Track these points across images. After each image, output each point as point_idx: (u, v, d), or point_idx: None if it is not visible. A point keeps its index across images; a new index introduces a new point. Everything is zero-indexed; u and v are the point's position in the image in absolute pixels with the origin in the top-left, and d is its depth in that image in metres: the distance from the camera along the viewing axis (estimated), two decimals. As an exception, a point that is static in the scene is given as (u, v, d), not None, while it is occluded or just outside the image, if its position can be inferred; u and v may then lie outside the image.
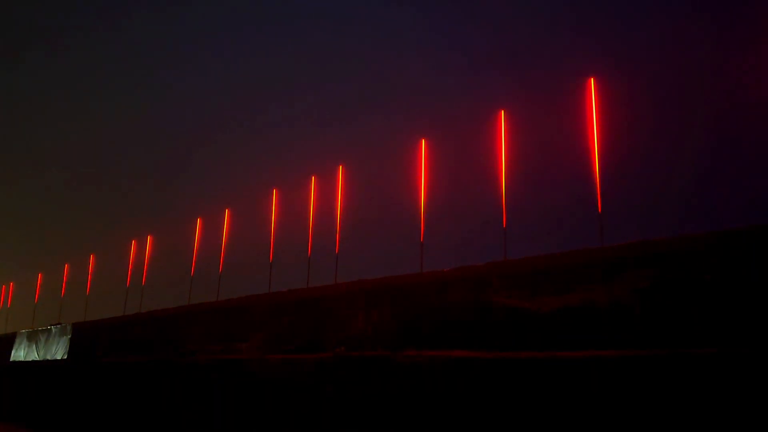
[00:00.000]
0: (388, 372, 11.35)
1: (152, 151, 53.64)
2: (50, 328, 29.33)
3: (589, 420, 8.50)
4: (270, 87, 50.85)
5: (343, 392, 12.08)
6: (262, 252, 20.43)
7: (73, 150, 56.67)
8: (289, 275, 19.85)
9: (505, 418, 9.44)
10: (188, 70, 55.09)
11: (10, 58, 57.62)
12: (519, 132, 14.53)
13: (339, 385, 12.23)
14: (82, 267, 31.99)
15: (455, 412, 10.10)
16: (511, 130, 14.47)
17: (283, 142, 46.25)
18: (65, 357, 26.77)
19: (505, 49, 37.28)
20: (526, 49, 35.12)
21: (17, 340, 32.72)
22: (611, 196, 12.38)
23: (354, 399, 11.79)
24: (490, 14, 39.88)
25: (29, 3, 56.53)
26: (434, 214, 15.79)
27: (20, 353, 31.93)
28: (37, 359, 29.53)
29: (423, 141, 16.32)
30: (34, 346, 30.53)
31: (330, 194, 18.65)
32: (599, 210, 12.15)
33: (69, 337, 27.12)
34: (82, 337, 26.42)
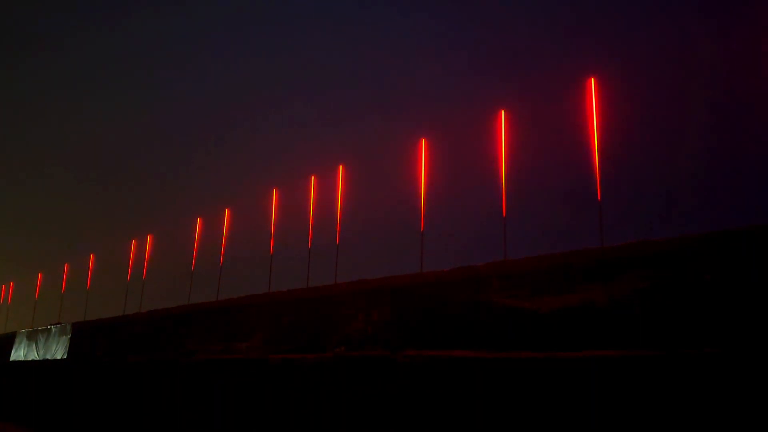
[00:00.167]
0: (388, 372, 11.35)
1: (152, 151, 53.67)
2: (50, 328, 29.33)
3: (589, 420, 8.49)
4: (270, 87, 50.87)
5: (343, 392, 12.07)
6: (262, 252, 20.44)
7: (73, 150, 56.70)
8: (289, 275, 19.87)
9: (504, 419, 9.44)
10: (189, 71, 55.13)
11: (9, 59, 57.64)
12: (519, 132, 14.54)
13: (339, 386, 12.22)
14: (82, 267, 32.03)
15: (455, 412, 10.10)
16: (511, 130, 14.48)
17: (283, 142, 46.27)
18: (65, 357, 26.77)
19: (506, 49, 37.27)
20: (526, 49, 35.12)
21: (17, 340, 32.72)
22: (611, 196, 12.39)
23: (354, 399, 11.79)
24: (490, 14, 39.87)
25: (30, 3, 56.55)
26: (434, 214, 15.80)
27: (20, 353, 31.94)
28: (37, 359, 29.53)
29: (423, 141, 16.32)
30: (33, 345, 30.54)
31: (330, 194, 18.66)
32: (599, 210, 12.16)
33: (69, 336, 27.12)
34: (81, 336, 26.41)
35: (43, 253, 48.74)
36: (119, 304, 27.12)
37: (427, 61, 42.18)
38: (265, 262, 20.00)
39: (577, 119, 12.97)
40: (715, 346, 8.22)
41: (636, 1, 29.28)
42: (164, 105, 54.98)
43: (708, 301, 8.96)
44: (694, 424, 7.60)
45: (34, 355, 30.18)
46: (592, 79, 12.94)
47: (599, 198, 12.19)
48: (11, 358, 32.41)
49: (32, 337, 31.00)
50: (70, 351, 26.57)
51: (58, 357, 27.35)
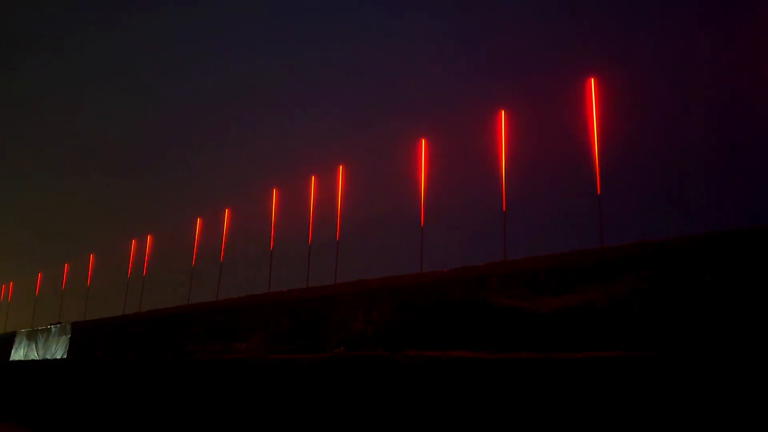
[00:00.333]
0: (388, 372, 11.34)
1: (152, 151, 53.67)
2: (50, 328, 29.32)
3: (588, 421, 8.49)
4: (270, 87, 50.86)
5: (343, 393, 12.07)
6: (262, 252, 20.44)
7: (72, 150, 56.69)
8: (289, 275, 19.88)
9: (504, 419, 9.43)
10: (189, 71, 55.12)
11: (9, 58, 57.64)
12: (519, 132, 14.54)
13: (339, 386, 12.22)
14: (82, 266, 32.05)
15: (455, 412, 10.10)
16: (512, 130, 14.47)
17: (283, 142, 46.28)
18: (65, 357, 26.77)
19: (506, 50, 37.26)
20: (526, 50, 35.10)
21: (17, 340, 32.72)
22: (611, 196, 12.39)
23: (354, 399, 11.79)
24: (491, 15, 39.87)
25: (31, 3, 56.56)
26: (434, 214, 15.80)
27: (20, 353, 31.93)
28: (37, 359, 29.53)
29: (423, 141, 16.32)
30: (33, 345, 30.53)
31: (330, 194, 18.66)
32: (599, 210, 12.16)
33: (69, 336, 27.11)
34: (81, 336, 26.41)
35: (43, 252, 48.78)
36: (119, 304, 27.15)
37: (427, 61, 42.21)
38: (265, 262, 20.01)
39: (577, 119, 12.97)
40: (715, 347, 8.22)
41: (636, 1, 29.28)
42: (164, 105, 55.02)
43: (708, 302, 8.96)
44: (694, 424, 7.60)
45: (34, 355, 30.18)
46: (592, 79, 12.94)
47: (599, 198, 12.19)
48: (11, 358, 32.41)
49: (32, 337, 31.00)
50: (70, 351, 26.56)
51: (58, 357, 27.34)
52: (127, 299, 27.01)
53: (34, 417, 23.73)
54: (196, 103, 53.69)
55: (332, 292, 15.34)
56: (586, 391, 8.56)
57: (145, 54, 55.25)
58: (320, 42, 48.81)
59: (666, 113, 16.18)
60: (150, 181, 53.20)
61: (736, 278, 8.82)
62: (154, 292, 26.39)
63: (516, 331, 11.01)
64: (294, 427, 12.92)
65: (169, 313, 21.36)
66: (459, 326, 11.99)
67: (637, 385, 8.17)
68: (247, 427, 14.03)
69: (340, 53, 48.18)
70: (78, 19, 56.61)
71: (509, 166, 14.16)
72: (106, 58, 55.96)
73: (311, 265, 18.41)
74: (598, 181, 12.27)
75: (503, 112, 14.61)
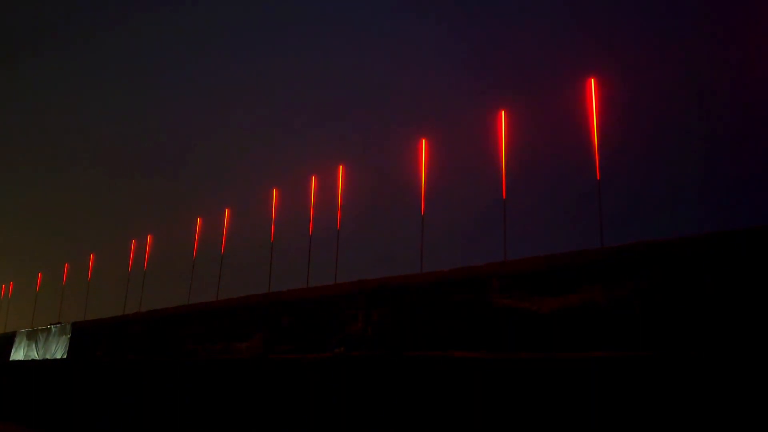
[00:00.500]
0: (388, 372, 11.35)
1: (152, 151, 53.68)
2: (50, 328, 29.32)
3: (589, 421, 8.49)
4: (271, 87, 50.86)
5: (343, 393, 12.07)
6: (262, 252, 20.45)
7: (72, 150, 56.69)
8: (289, 275, 19.89)
9: (504, 419, 9.43)
10: (189, 70, 55.11)
11: (9, 58, 57.66)
12: (519, 132, 14.54)
13: (339, 386, 12.22)
14: (82, 266, 32.08)
15: (455, 412, 10.10)
16: (512, 130, 14.48)
17: (283, 142, 46.28)
18: (65, 356, 26.77)
19: (506, 50, 37.27)
20: (526, 50, 35.12)
21: (17, 340, 32.72)
22: (612, 196, 12.40)
23: (354, 399, 11.79)
24: (491, 15, 39.88)
25: (33, 3, 56.57)
26: (434, 214, 15.81)
27: (20, 353, 31.93)
28: (37, 359, 29.53)
29: (423, 141, 16.33)
30: (33, 345, 30.53)
31: (330, 194, 18.67)
32: (599, 210, 12.16)
33: (68, 336, 27.11)
34: (81, 336, 26.41)
35: (43, 252, 48.78)
36: (119, 303, 27.18)
37: (428, 61, 42.21)
38: (265, 262, 20.02)
39: (577, 119, 12.98)
40: (715, 347, 8.22)
41: (636, 1, 29.29)
42: (165, 105, 54.99)
43: (708, 302, 8.96)
44: (694, 425, 7.60)
45: (34, 355, 30.18)
46: (592, 80, 12.94)
47: (599, 198, 12.20)
48: (11, 358, 32.41)
49: (32, 336, 31.00)
50: (70, 351, 26.56)
51: (58, 357, 27.34)
52: (127, 299, 27.05)
53: (34, 417, 23.74)
54: (196, 103, 53.71)
55: (332, 292, 15.33)
56: (586, 391, 8.56)
57: (145, 54, 55.29)
58: (321, 42, 48.84)
59: (665, 113, 16.19)
60: (150, 181, 53.17)
61: (736, 279, 8.82)
62: (154, 292, 26.41)
63: (516, 331, 11.01)
64: (294, 427, 12.92)
65: (169, 313, 21.36)
66: (459, 326, 11.99)
67: (636, 385, 8.18)
68: (247, 427, 14.03)
69: (340, 53, 48.20)
70: (78, 19, 56.65)
71: (509, 167, 14.17)
72: (107, 58, 55.99)
73: (311, 265, 18.43)
74: (598, 181, 12.28)
75: (503, 112, 14.62)
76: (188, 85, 54.58)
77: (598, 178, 12.30)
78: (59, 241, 49.84)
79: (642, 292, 9.64)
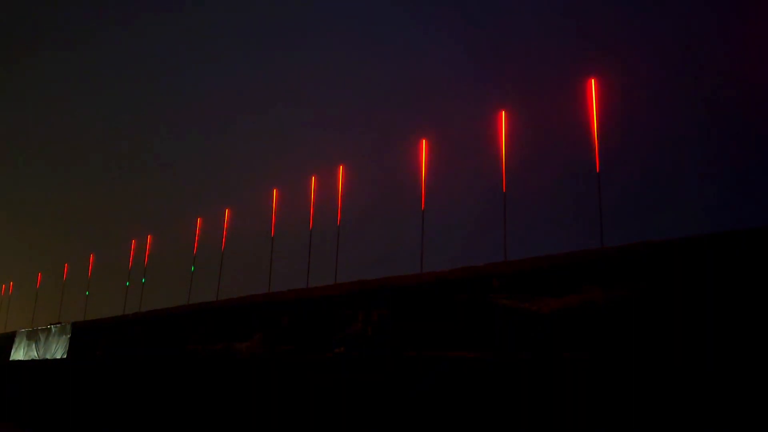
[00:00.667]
0: (388, 373, 11.35)
1: (152, 151, 53.67)
2: (50, 328, 29.33)
3: (588, 421, 8.49)
4: (271, 87, 50.86)
5: (343, 393, 12.07)
6: (262, 252, 20.46)
7: (72, 150, 56.71)
8: (289, 275, 19.89)
9: (504, 419, 9.44)
10: (189, 70, 55.11)
11: (9, 57, 57.68)
12: (519, 132, 14.56)
13: (339, 386, 12.23)
14: (82, 266, 32.09)
15: (455, 413, 10.10)
16: (512, 131, 14.49)
17: (283, 142, 46.29)
18: (65, 356, 26.77)
19: (506, 49, 37.26)
20: (526, 49, 35.10)
21: (16, 340, 32.71)
22: (612, 196, 12.41)
23: (354, 399, 11.79)
24: (491, 14, 39.87)
25: (34, 3, 56.59)
26: (434, 214, 15.82)
27: (19, 353, 31.93)
28: (37, 359, 29.53)
29: (423, 141, 16.34)
30: (33, 345, 30.53)
31: (330, 194, 18.68)
32: (599, 210, 12.17)
33: (68, 336, 27.11)
34: (81, 336, 26.42)
35: (43, 252, 48.79)
36: (119, 303, 27.20)
37: (428, 61, 42.21)
38: (266, 262, 20.03)
39: (577, 119, 12.99)
40: (716, 348, 8.22)
41: (636, 1, 29.28)
42: (164, 104, 55.01)
43: (708, 303, 8.95)
44: (694, 424, 7.60)
45: (33, 355, 30.18)
46: (592, 80, 12.95)
47: (599, 198, 12.21)
48: (11, 358, 32.40)
49: (32, 336, 31.00)
50: (70, 351, 26.56)
51: (58, 357, 27.34)
52: (127, 299, 27.07)
53: (35, 417, 23.74)
54: (196, 103, 53.71)
55: (332, 292, 15.35)
56: (586, 391, 8.56)
57: (145, 54, 55.28)
58: (321, 42, 48.83)
59: (666, 113, 16.19)
60: (150, 180, 53.17)
61: (736, 279, 8.82)
62: (154, 291, 26.43)
63: (516, 332, 11.01)
64: (294, 427, 12.93)
65: (169, 312, 21.37)
66: (459, 326, 11.99)
67: (636, 385, 8.18)
68: (247, 428, 14.04)
69: (340, 53, 48.20)
70: (78, 18, 56.67)
71: (509, 167, 14.18)
72: (107, 58, 56.00)
73: (311, 265, 18.44)
74: (598, 181, 12.29)
75: (503, 112, 14.63)
76: (189, 85, 54.63)
77: (598, 177, 12.31)
78: (59, 241, 49.87)
79: (642, 292, 9.64)
